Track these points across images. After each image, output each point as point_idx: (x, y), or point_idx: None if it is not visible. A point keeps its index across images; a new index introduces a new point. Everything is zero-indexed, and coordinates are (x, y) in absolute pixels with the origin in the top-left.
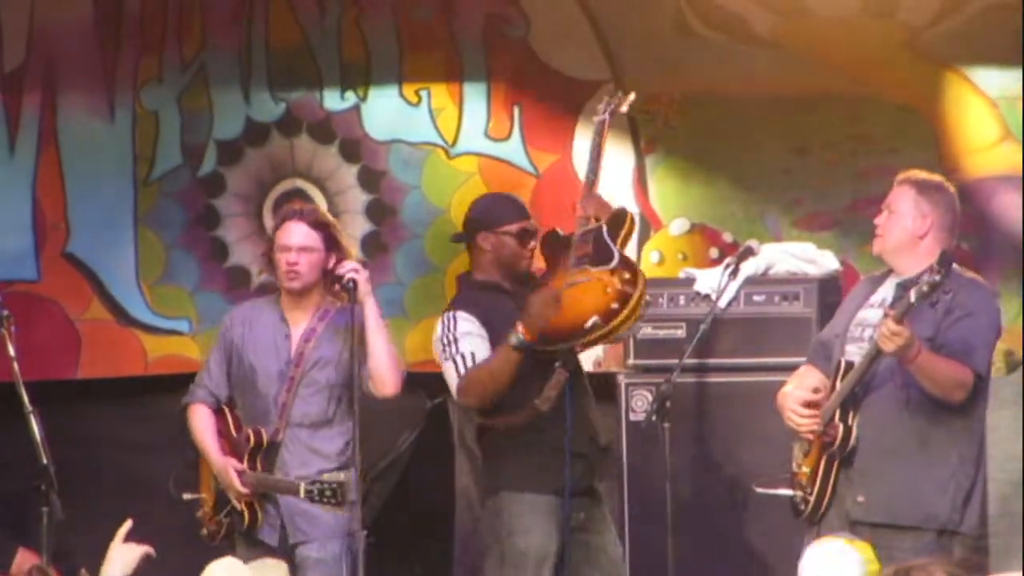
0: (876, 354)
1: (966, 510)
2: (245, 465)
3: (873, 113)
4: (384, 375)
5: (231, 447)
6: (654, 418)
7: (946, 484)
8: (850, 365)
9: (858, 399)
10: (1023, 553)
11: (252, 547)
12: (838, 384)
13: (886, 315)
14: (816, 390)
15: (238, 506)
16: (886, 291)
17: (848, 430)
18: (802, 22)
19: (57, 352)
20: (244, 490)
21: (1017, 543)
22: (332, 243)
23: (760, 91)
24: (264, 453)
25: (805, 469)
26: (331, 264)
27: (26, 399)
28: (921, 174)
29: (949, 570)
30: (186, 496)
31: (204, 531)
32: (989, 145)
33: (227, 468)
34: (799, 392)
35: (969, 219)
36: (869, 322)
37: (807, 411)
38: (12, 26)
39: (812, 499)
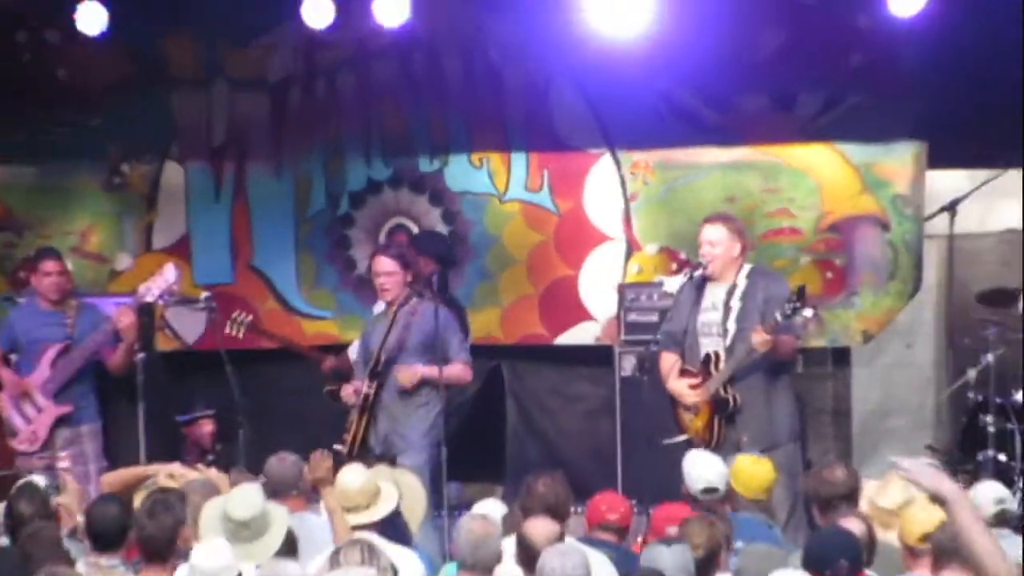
0: (751, 351)
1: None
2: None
3: (778, 174)
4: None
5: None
6: (638, 373)
7: (793, 412)
8: (718, 356)
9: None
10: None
11: (364, 456)
12: (713, 369)
13: (757, 331)
14: (685, 370)
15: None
16: (715, 296)
17: (735, 398)
18: (732, 115)
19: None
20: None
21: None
22: (407, 263)
23: (706, 159)
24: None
25: (698, 424)
26: (409, 278)
27: (227, 361)
28: (722, 213)
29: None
30: (336, 447)
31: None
32: (853, 195)
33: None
34: (683, 380)
35: (840, 244)
36: (714, 322)
37: (695, 391)
38: (217, 117)
39: (712, 442)
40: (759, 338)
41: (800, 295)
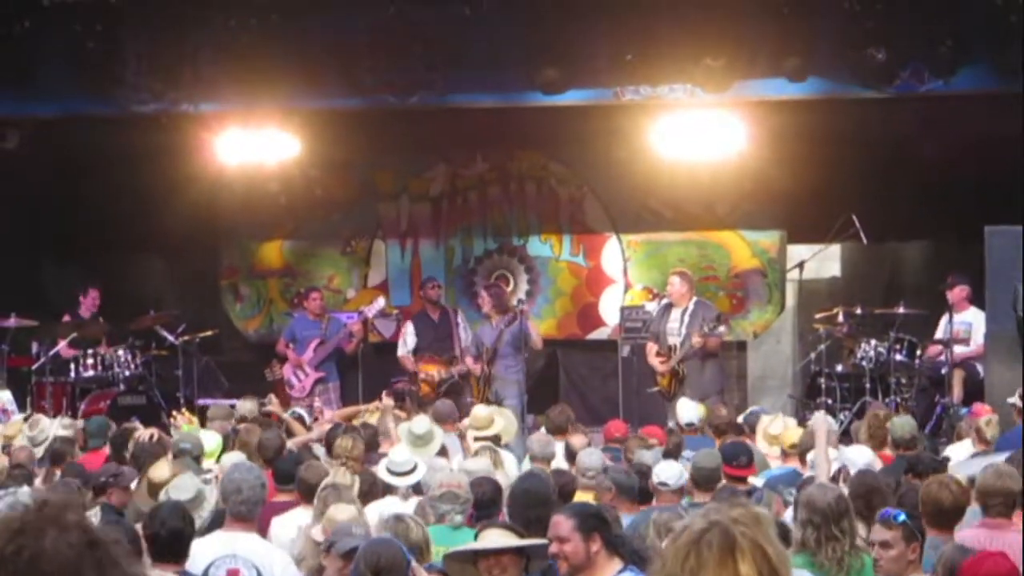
0: (691, 346)
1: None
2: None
3: (707, 247)
4: (537, 346)
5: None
6: (630, 355)
7: (716, 379)
8: (675, 347)
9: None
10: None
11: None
12: (673, 354)
13: (695, 335)
14: (659, 352)
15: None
16: (676, 315)
17: (683, 370)
18: (682, 215)
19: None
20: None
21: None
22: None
23: (667, 239)
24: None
25: (664, 382)
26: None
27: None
28: (679, 270)
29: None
30: (468, 399)
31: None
32: (747, 259)
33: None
34: (658, 358)
35: (741, 284)
36: (674, 329)
37: (663, 364)
38: (403, 216)
39: (671, 393)
40: (697, 339)
41: (719, 319)
